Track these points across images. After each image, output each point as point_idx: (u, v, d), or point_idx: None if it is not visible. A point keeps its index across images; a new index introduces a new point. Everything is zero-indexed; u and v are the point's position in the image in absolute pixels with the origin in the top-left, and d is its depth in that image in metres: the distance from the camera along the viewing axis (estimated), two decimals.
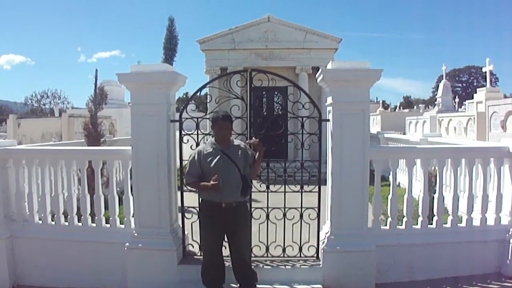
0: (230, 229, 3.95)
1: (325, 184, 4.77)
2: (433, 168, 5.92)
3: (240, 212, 3.97)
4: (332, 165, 4.52)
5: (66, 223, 4.97)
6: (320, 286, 4.36)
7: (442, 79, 23.03)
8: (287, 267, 4.57)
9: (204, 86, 4.85)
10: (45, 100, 44.75)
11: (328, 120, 4.62)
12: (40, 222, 5.04)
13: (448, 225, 4.79)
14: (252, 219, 4.49)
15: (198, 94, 4.86)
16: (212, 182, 3.72)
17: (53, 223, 4.99)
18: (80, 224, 4.94)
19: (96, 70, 8.72)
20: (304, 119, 4.69)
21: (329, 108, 4.58)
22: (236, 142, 4.10)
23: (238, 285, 4.19)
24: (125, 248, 4.55)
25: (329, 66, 4.54)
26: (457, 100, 31.44)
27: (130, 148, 4.62)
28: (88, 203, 4.93)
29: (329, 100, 4.57)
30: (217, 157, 3.88)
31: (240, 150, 4.00)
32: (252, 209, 4.62)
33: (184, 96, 38.82)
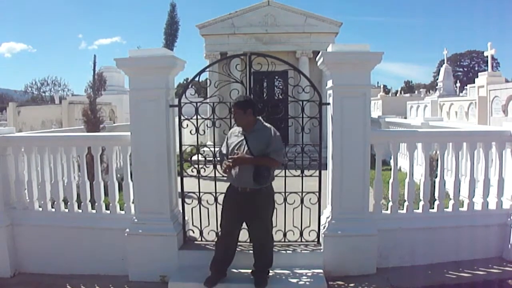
0: (248, 214, 3.93)
1: (326, 169, 4.75)
2: (434, 152, 5.89)
3: (257, 198, 3.86)
4: (332, 149, 4.49)
5: (66, 210, 4.96)
6: (321, 270, 4.36)
7: (443, 63, 22.87)
8: (288, 251, 4.57)
9: (203, 70, 4.78)
10: (45, 87, 44.66)
11: (329, 103, 4.57)
12: (40, 209, 5.03)
13: (450, 209, 4.78)
14: None
15: (197, 79, 4.80)
16: (224, 165, 3.78)
17: (53, 210, 4.98)
18: (80, 210, 4.93)
19: (95, 56, 8.70)
20: (305, 102, 4.63)
21: (330, 91, 4.53)
22: (263, 125, 3.93)
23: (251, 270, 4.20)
24: (126, 234, 4.54)
25: (329, 49, 4.49)
26: (458, 84, 31.34)
27: (129, 133, 4.58)
28: (88, 190, 4.92)
29: (330, 83, 4.52)
30: (237, 141, 3.88)
31: (262, 135, 3.85)
32: None
33: (184, 81, 38.59)
